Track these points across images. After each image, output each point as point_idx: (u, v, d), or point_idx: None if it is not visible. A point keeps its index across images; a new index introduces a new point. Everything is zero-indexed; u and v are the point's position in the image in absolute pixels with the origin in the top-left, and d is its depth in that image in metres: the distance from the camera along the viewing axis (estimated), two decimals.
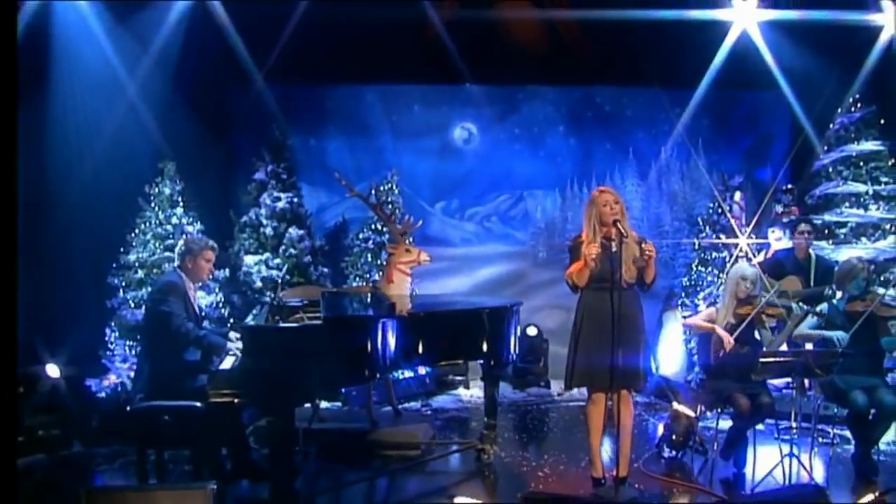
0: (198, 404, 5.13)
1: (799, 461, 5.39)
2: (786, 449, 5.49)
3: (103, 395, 7.24)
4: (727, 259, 8.56)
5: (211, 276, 6.38)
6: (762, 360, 5.27)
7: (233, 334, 5.57)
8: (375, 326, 4.87)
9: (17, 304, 3.82)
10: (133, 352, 7.25)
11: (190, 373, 5.36)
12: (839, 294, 6.22)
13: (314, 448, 6.05)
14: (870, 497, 4.27)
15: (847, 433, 6.18)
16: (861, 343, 5.88)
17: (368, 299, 6.20)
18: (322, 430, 6.44)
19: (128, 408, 5.58)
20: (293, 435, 5.02)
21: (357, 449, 6.40)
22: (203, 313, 6.21)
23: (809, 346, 6.08)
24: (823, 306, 6.15)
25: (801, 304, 6.54)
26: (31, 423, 6.46)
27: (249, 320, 5.80)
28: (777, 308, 6.05)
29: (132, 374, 7.17)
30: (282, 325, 4.86)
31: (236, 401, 4.96)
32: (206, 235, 6.89)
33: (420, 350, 5.39)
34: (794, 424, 6.57)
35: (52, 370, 6.61)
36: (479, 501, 4.18)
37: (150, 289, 7.11)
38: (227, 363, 5.13)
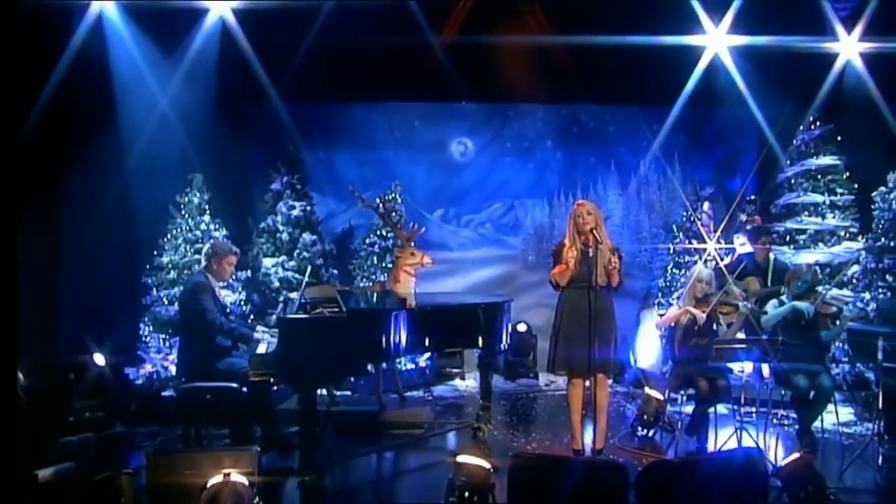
0: (234, 385, 5.99)
1: (748, 433, 6.21)
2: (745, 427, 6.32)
3: (140, 382, 7.96)
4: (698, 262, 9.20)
5: (233, 277, 7.20)
6: (716, 346, 6.16)
7: (259, 326, 6.42)
8: (389, 318, 5.72)
9: (17, 305, 3.83)
10: (167, 343, 8.03)
11: (223, 359, 6.12)
12: (785, 291, 7.10)
13: (332, 427, 6.73)
14: (795, 455, 5.12)
15: None
16: (805, 335, 6.78)
17: (381, 296, 7.03)
18: (338, 412, 7.21)
19: (171, 391, 6.43)
20: (316, 411, 5.83)
21: (368, 428, 7.18)
22: (228, 309, 6.99)
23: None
24: (773, 302, 7.04)
25: (750, 302, 7.39)
26: (80, 406, 6.99)
27: (280, 313, 6.63)
28: (729, 306, 6.92)
29: (165, 363, 8.00)
30: (314, 315, 5.67)
31: (272, 380, 5.84)
32: (229, 240, 7.66)
33: (426, 338, 6.22)
34: (753, 409, 7.47)
35: (99, 359, 7.27)
36: (477, 459, 4.98)
37: (181, 288, 7.99)
38: (262, 348, 5.95)
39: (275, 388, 6.41)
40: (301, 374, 5.44)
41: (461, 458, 4.96)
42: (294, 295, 8.06)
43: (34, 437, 5.96)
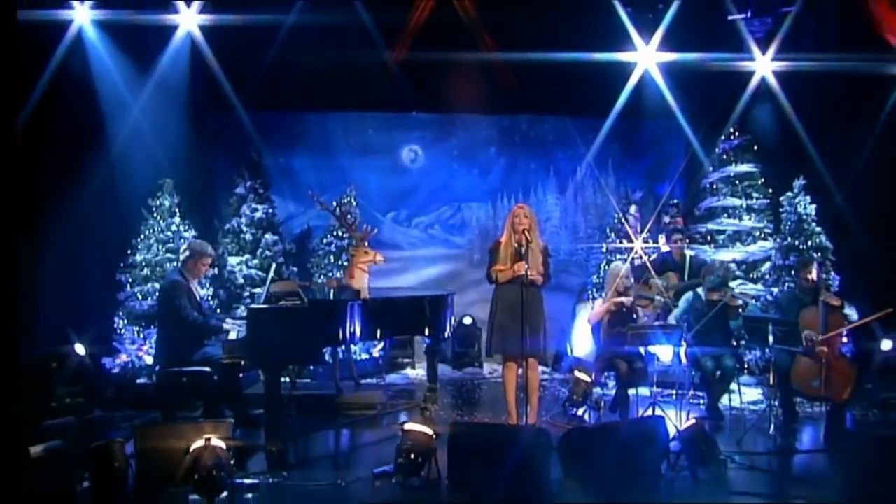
0: (208, 369, 6.70)
1: (661, 409, 7.05)
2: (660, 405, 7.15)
3: (116, 370, 8.56)
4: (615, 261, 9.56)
5: (206, 276, 7.86)
6: (630, 332, 7.04)
7: (228, 318, 7.13)
8: (346, 308, 6.49)
9: (17, 304, 3.95)
10: (141, 335, 8.64)
11: (198, 349, 6.78)
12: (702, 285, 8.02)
13: (294, 408, 7.26)
14: (691, 422, 5.99)
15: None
16: (713, 322, 7.65)
17: (338, 290, 7.76)
18: (299, 396, 7.83)
19: (145, 379, 7.08)
20: (280, 392, 6.56)
21: (327, 409, 7.90)
22: (203, 304, 7.60)
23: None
24: (687, 296, 7.95)
25: (669, 295, 8.28)
26: (62, 392, 7.56)
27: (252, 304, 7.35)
28: (646, 299, 7.82)
29: (140, 353, 8.63)
30: (279, 305, 6.40)
31: (242, 363, 6.59)
32: (196, 240, 8.30)
33: (378, 327, 7.00)
34: (673, 392, 8.36)
35: (80, 349, 7.81)
36: (422, 427, 5.76)
37: (156, 285, 8.62)
38: (233, 335, 6.69)
39: (241, 375, 7.09)
40: (268, 357, 6.19)
41: (408, 426, 5.77)
42: (258, 290, 8.73)
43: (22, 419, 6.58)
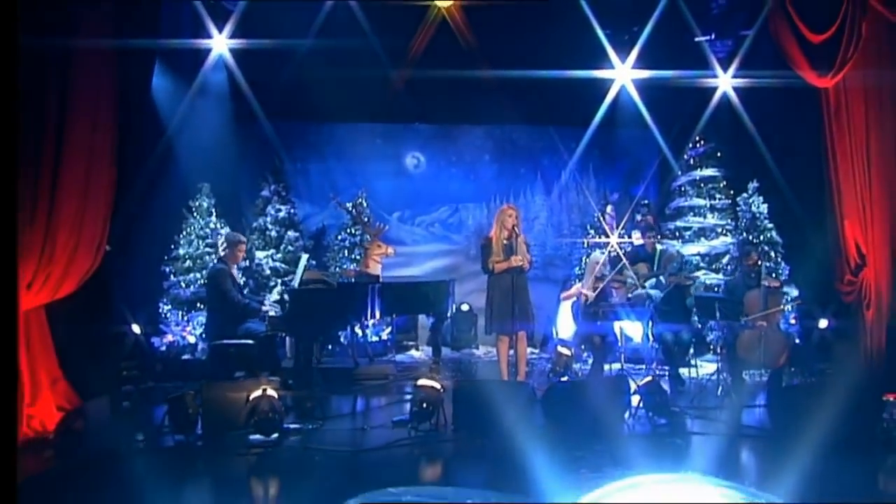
0: (250, 342, 8.03)
1: (629, 374, 8.40)
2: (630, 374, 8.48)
3: (163, 348, 9.81)
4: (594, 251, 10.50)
5: (244, 260, 9.09)
6: (601, 309, 8.41)
7: (268, 300, 8.47)
8: (367, 289, 7.90)
9: (16, 301, 4.16)
10: (184, 318, 9.93)
11: (241, 325, 8.05)
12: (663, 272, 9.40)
13: (320, 377, 8.65)
14: (648, 378, 7.33)
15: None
16: (673, 302, 9.05)
17: (355, 278, 9.10)
18: (323, 368, 9.18)
19: (188, 356, 8.38)
20: (311, 358, 7.93)
21: (346, 378, 9.24)
22: (244, 287, 8.84)
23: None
24: (651, 281, 9.32)
25: (640, 281, 9.64)
26: (122, 365, 8.71)
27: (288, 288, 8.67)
28: (618, 282, 9.18)
29: (183, 333, 9.94)
30: (315, 287, 7.76)
31: (283, 334, 7.93)
32: (230, 232, 9.45)
33: (391, 305, 8.43)
34: (642, 365, 9.72)
35: (136, 329, 9.14)
36: (432, 381, 7.08)
37: (196, 275, 9.92)
38: (272, 312, 8.04)
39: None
40: (306, 329, 7.60)
41: (420, 382, 7.12)
42: (285, 279, 10.07)
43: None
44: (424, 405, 6.88)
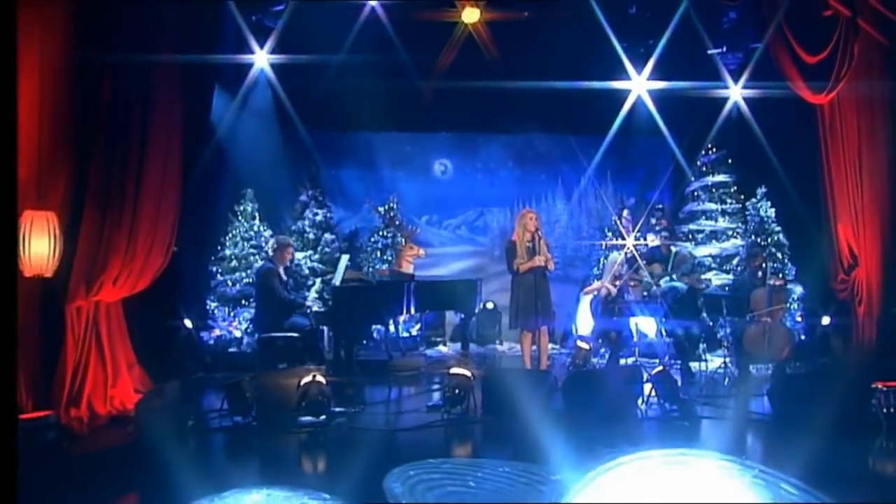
0: (295, 335, 8.80)
1: (644, 367, 9.06)
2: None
3: (211, 342, 10.55)
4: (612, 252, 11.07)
5: (290, 262, 9.82)
6: (617, 306, 9.11)
7: (309, 297, 9.23)
8: (403, 286, 8.66)
9: (15, 300, 3.86)
10: (231, 314, 10.67)
11: (285, 318, 8.83)
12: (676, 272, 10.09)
13: (359, 368, 9.38)
14: (659, 368, 8.01)
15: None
16: (686, 301, 9.74)
17: (389, 277, 9.85)
18: (360, 360, 9.76)
19: (234, 349, 9.15)
20: (353, 349, 8.70)
21: (382, 369, 9.88)
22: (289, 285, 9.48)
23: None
24: (664, 280, 10.01)
25: (655, 281, 10.31)
26: (175, 358, 9.34)
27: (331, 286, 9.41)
28: (634, 281, 9.87)
29: (230, 328, 10.68)
30: (357, 285, 8.52)
31: (326, 328, 8.70)
32: (269, 239, 10.26)
33: (424, 301, 9.21)
34: (656, 360, 10.35)
35: (189, 323, 9.86)
36: (463, 370, 7.79)
37: (242, 274, 10.65)
38: (315, 308, 8.80)
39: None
40: (349, 322, 8.38)
41: (453, 370, 7.84)
42: (324, 279, 10.82)
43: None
44: (457, 391, 7.59)
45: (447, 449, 6.91)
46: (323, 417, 7.26)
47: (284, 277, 9.26)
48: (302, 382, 7.28)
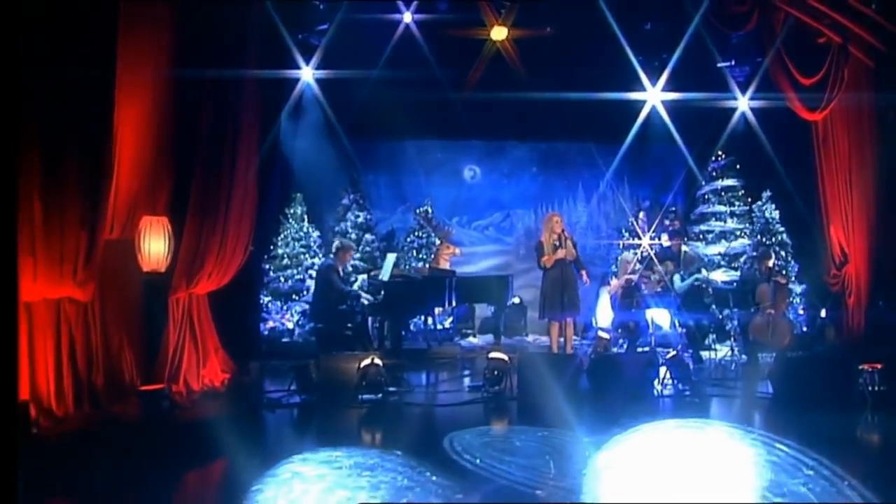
0: (349, 324, 9.88)
1: (659, 354, 10.05)
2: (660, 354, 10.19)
3: (265, 333, 11.58)
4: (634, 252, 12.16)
5: (350, 261, 10.82)
6: (635, 300, 10.14)
7: (362, 292, 10.30)
8: (445, 280, 9.75)
9: (16, 301, 4.02)
10: (284, 307, 11.73)
11: (341, 308, 9.94)
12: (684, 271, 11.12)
13: (404, 355, 10.34)
14: (672, 353, 9.02)
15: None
16: (695, 296, 10.78)
17: (429, 273, 10.92)
18: (405, 348, 10.81)
19: (287, 339, 10.24)
20: (401, 335, 9.80)
21: (422, 357, 10.97)
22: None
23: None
24: (676, 277, 11.03)
25: (667, 278, 11.31)
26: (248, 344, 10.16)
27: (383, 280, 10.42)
28: (647, 278, 10.88)
29: (283, 320, 11.73)
30: (406, 279, 9.63)
31: (371, 318, 9.77)
32: (318, 239, 11.47)
33: (462, 294, 10.31)
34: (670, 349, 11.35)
35: (260, 314, 10.93)
36: (501, 353, 8.82)
37: (293, 271, 11.69)
38: (366, 301, 9.89)
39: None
40: (398, 311, 9.47)
41: (492, 354, 8.88)
42: (369, 274, 11.80)
43: None
44: (496, 372, 8.63)
45: (487, 422, 7.98)
46: (380, 395, 8.30)
47: (342, 274, 10.30)
48: (361, 365, 8.31)
